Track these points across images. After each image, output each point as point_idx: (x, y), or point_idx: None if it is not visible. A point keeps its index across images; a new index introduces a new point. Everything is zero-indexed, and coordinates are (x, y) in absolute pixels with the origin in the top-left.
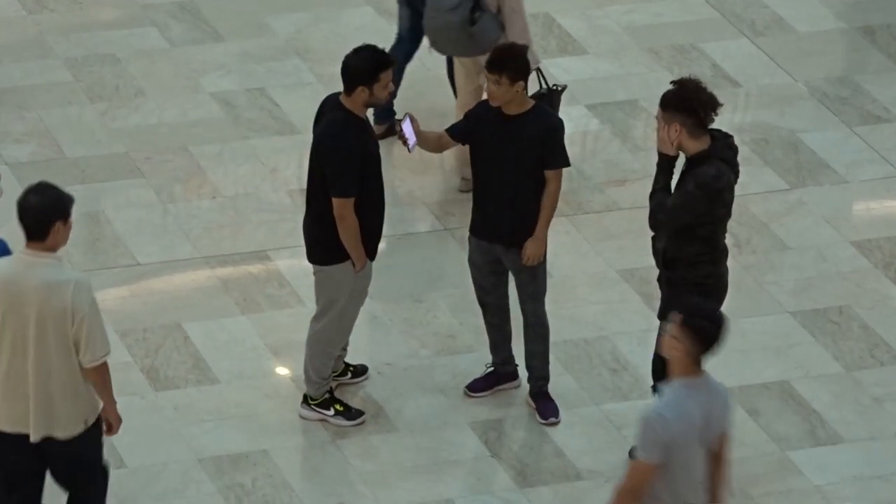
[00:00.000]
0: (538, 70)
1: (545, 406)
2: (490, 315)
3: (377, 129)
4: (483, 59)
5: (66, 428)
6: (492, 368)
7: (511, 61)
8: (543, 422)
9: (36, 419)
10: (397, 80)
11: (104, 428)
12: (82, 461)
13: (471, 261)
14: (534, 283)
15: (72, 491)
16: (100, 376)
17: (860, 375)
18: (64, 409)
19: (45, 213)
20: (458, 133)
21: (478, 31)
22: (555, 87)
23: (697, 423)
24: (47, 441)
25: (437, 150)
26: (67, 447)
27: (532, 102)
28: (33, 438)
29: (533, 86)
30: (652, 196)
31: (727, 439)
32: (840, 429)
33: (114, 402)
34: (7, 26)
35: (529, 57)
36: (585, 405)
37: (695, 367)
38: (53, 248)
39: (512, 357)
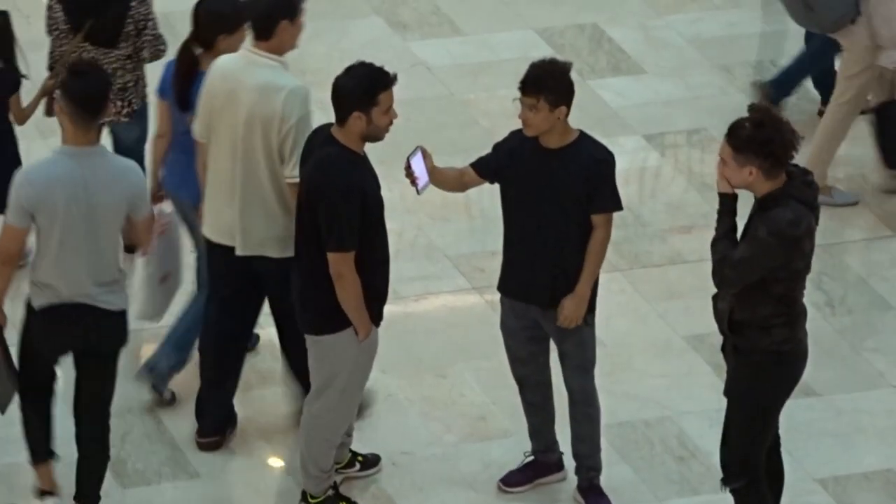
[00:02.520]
0: None
1: (596, 503)
2: (528, 392)
3: None
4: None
5: (276, 247)
6: (531, 457)
7: (551, 81)
8: None
9: (240, 232)
10: (787, 86)
11: None
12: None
13: (503, 326)
14: (581, 352)
15: (280, 324)
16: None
17: None
18: (268, 224)
19: (270, 9)
20: (484, 168)
21: (818, 4)
22: None
23: (66, 194)
24: (260, 260)
25: (458, 189)
26: (279, 268)
27: (577, 132)
28: (238, 252)
29: None
30: (714, 246)
31: (145, 226)
32: None
33: None
34: None
35: None
36: (647, 500)
37: (80, 134)
38: (279, 51)
39: (556, 443)
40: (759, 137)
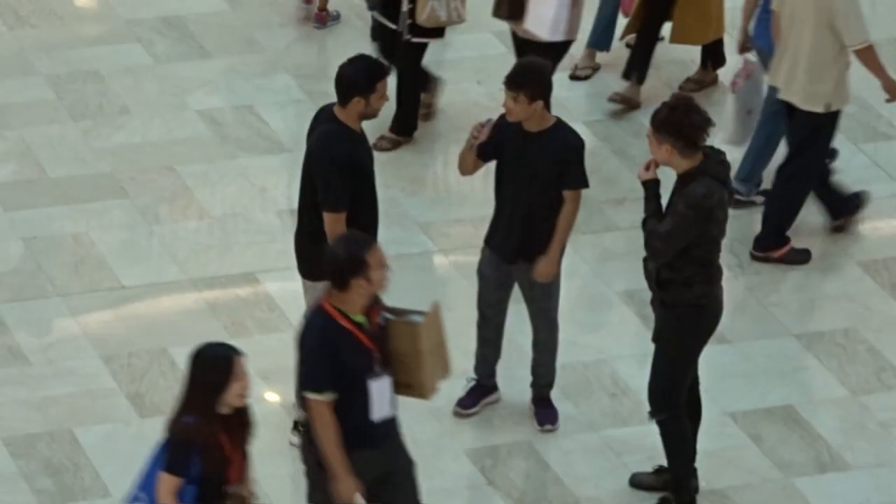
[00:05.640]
0: None
1: (543, 413)
2: (487, 329)
3: None
4: None
5: (804, 101)
6: (474, 381)
7: (529, 80)
8: (539, 428)
9: (783, 81)
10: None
11: None
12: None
13: (480, 273)
14: (547, 299)
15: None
16: (864, 59)
17: (867, 400)
18: (803, 85)
19: None
20: (483, 148)
21: None
22: None
23: None
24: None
25: (474, 170)
26: (798, 116)
27: (554, 119)
28: (779, 96)
29: None
30: (644, 224)
31: None
32: (846, 455)
33: (887, 79)
34: None
35: None
36: (584, 431)
37: None
38: None
39: (495, 371)
40: (671, 119)
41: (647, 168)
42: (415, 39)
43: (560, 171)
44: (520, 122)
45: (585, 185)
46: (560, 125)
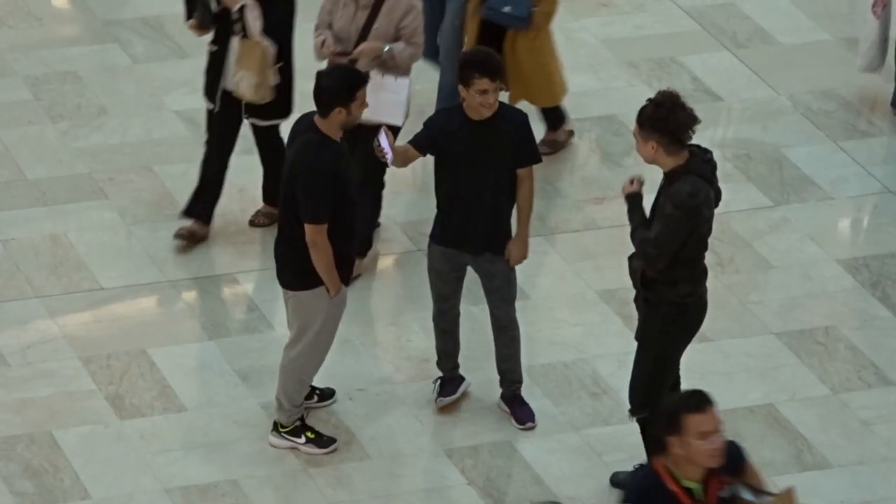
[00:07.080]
0: None
1: (521, 410)
2: (446, 322)
3: None
4: None
5: None
6: (440, 380)
7: (502, 66)
8: (521, 427)
9: None
10: None
11: None
12: None
13: (433, 270)
14: (508, 287)
15: None
16: None
17: (847, 398)
18: None
19: None
20: (422, 144)
21: None
22: None
23: None
24: None
25: (403, 163)
26: None
27: (497, 104)
28: None
29: None
30: (632, 235)
31: None
32: (827, 453)
33: None
34: None
35: None
36: (565, 430)
37: None
38: None
39: (458, 364)
40: (655, 115)
41: (632, 183)
42: (261, 123)
43: (516, 151)
44: (462, 111)
45: (540, 159)
46: (504, 106)
